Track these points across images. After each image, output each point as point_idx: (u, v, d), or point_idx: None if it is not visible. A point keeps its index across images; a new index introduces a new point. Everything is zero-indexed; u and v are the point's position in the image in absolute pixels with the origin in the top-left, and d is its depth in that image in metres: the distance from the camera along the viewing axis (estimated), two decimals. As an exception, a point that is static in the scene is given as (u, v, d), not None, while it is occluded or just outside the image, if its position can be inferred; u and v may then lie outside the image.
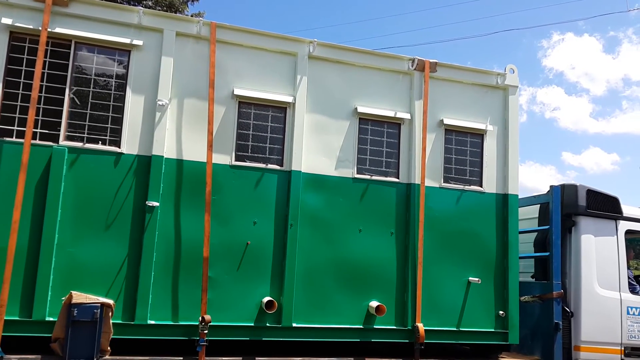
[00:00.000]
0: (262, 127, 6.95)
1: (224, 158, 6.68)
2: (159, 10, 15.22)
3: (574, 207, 8.22)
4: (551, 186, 8.32)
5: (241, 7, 52.90)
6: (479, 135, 7.82)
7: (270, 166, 6.86)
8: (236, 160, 6.75)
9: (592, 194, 8.29)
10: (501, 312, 7.47)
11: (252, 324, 6.52)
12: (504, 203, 7.74)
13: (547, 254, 8.22)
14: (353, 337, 6.87)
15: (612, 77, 56.08)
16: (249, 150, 6.85)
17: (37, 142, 6.04)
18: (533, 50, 56.95)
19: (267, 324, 6.57)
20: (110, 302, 5.81)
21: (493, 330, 7.46)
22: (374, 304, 6.90)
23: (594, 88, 58.41)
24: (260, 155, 6.88)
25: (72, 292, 5.71)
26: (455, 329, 7.29)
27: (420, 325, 6.92)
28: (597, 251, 8.22)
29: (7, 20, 6.07)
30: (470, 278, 7.38)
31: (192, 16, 16.67)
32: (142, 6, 16.11)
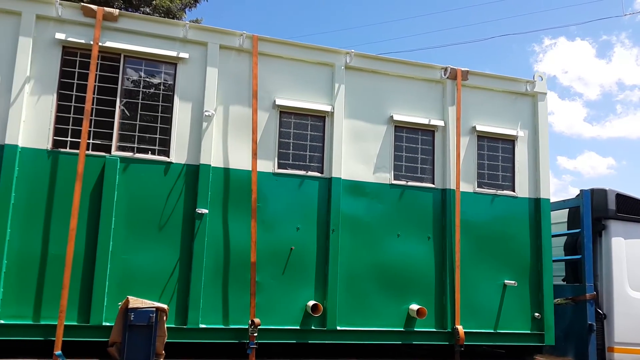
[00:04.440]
0: (302, 136, 7.15)
1: (267, 166, 6.88)
2: (157, 16, 15.30)
3: (604, 211, 8.39)
4: (581, 190, 8.49)
5: (239, 13, 53.27)
6: (510, 141, 8.01)
7: (310, 173, 7.04)
8: (278, 168, 6.94)
9: (621, 197, 8.46)
10: (537, 314, 7.61)
11: (298, 327, 6.68)
12: (536, 207, 7.90)
13: (578, 256, 8.37)
14: (395, 339, 7.02)
15: (605, 81, 56.18)
16: (290, 158, 7.05)
17: (91, 152, 6.24)
18: (524, 55, 57.07)
19: (313, 327, 6.72)
20: (165, 306, 5.97)
21: (529, 332, 7.59)
22: (414, 307, 7.05)
23: (587, 92, 58.50)
24: (301, 163, 7.07)
25: (129, 297, 5.88)
26: (492, 331, 7.43)
27: (460, 328, 7.07)
28: (628, 254, 8.38)
29: (60, 35, 6.30)
30: (506, 281, 7.53)
31: (193, 22, 16.98)
32: (140, 12, 16.38)
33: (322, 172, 7.09)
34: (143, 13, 16.67)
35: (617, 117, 56.24)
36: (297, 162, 7.05)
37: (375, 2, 53.22)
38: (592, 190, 8.49)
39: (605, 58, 58.33)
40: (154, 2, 17.39)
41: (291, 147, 7.08)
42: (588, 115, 60.53)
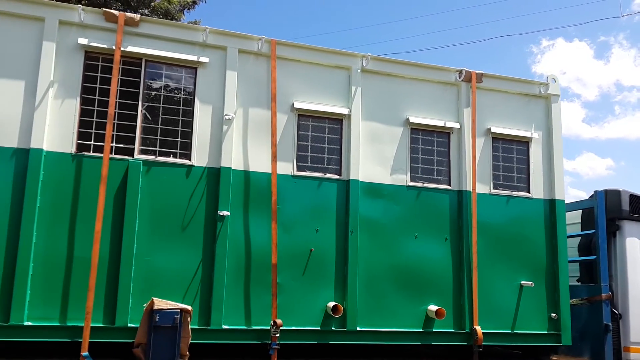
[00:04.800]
0: (319, 138, 7.22)
1: (286, 168, 6.95)
2: (155, 17, 15.32)
3: (618, 212, 8.44)
4: (595, 191, 8.55)
5: (238, 14, 53.51)
6: (525, 142, 8.08)
7: (328, 175, 7.11)
8: (297, 170, 7.01)
9: (634, 198, 8.52)
10: (553, 314, 7.66)
11: (319, 328, 6.73)
12: (551, 208, 7.96)
13: (593, 257, 8.42)
14: (414, 340, 7.07)
15: (603, 82, 56.35)
16: (309, 161, 7.12)
17: (114, 156, 6.31)
18: (522, 56, 57.23)
19: (333, 328, 6.77)
20: (189, 307, 6.03)
21: (546, 332, 7.64)
22: (433, 307, 7.10)
23: (586, 93, 58.65)
24: (320, 165, 7.15)
25: (154, 298, 5.94)
26: (510, 331, 7.48)
27: (478, 328, 7.12)
28: (642, 254, 8.42)
29: (83, 41, 6.39)
30: (523, 282, 7.58)
31: (192, 23, 17.04)
32: (139, 14, 16.43)
33: (340, 174, 7.16)
34: (142, 14, 16.71)
35: (615, 118, 56.36)
36: (315, 165, 7.13)
37: (375, 3, 53.41)
38: (606, 192, 8.54)
39: (603, 59, 58.48)
40: (152, 3, 17.47)
41: (309, 150, 7.15)
42: (586, 116, 60.62)
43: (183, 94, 6.76)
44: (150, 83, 6.68)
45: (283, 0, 54.52)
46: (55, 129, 6.19)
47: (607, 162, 57.80)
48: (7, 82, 6.12)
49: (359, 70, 7.37)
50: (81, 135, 6.33)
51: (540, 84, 8.22)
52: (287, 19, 55.95)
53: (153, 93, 6.68)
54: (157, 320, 5.83)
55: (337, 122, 7.30)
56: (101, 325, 6.00)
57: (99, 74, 6.50)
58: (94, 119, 6.41)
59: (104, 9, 6.55)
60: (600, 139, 56.87)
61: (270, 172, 6.81)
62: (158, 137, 6.59)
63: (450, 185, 7.61)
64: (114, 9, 16.23)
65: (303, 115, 7.17)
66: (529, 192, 7.95)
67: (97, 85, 6.48)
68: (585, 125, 59.23)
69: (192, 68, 6.80)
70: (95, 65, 6.52)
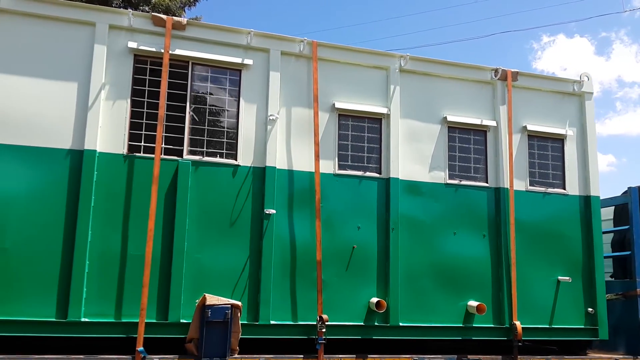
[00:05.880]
0: (359, 138, 7.35)
1: (328, 167, 7.09)
2: (153, 13, 15.30)
3: (652, 207, 8.48)
4: (629, 188, 8.60)
5: (238, 10, 53.74)
6: (560, 140, 8.17)
7: (368, 174, 7.25)
8: (339, 169, 7.15)
9: (668, 194, 8.54)
10: (590, 309, 7.75)
11: (362, 323, 6.87)
12: (587, 204, 8.05)
13: (628, 252, 8.49)
14: (456, 335, 7.19)
15: (605, 78, 55.97)
16: (349, 160, 7.25)
17: (164, 156, 6.49)
18: (523, 53, 57.00)
19: (376, 323, 6.91)
20: (239, 303, 6.19)
21: (583, 326, 7.73)
22: (473, 303, 7.22)
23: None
24: (360, 164, 7.28)
25: (206, 294, 6.11)
26: (547, 326, 7.58)
27: (517, 323, 7.23)
28: (676, 249, 8.45)
29: (132, 44, 6.56)
30: (560, 277, 7.68)
31: (193, 19, 17.17)
32: (140, 11, 16.52)
33: (379, 173, 7.29)
34: (142, 11, 16.84)
35: (616, 114, 55.97)
36: (355, 163, 7.26)
37: (374, 2, 53.42)
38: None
39: (604, 55, 58.09)
40: (152, 0, 17.56)
41: (349, 149, 7.28)
42: (588, 113, 60.06)
43: (228, 96, 6.91)
44: (197, 85, 6.84)
45: (282, -3, 54.65)
46: (107, 130, 6.37)
47: (608, 159, 57.46)
48: (61, 84, 6.31)
49: (397, 70, 7.49)
50: (132, 137, 6.51)
51: (574, 82, 8.30)
52: (287, 15, 56.09)
53: (199, 95, 6.84)
54: (209, 315, 6.00)
55: (377, 122, 7.43)
56: (154, 321, 6.17)
57: (147, 77, 6.67)
58: (144, 121, 6.57)
59: (152, 14, 6.72)
60: (601, 135, 56.59)
61: (313, 171, 6.96)
62: (205, 137, 6.75)
63: (487, 182, 7.72)
64: (114, 6, 16.43)
65: (343, 115, 7.31)
66: (564, 189, 8.04)
67: (146, 88, 6.64)
68: (587, 121, 58.77)
69: (236, 70, 6.95)
70: (143, 68, 6.69)
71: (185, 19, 6.77)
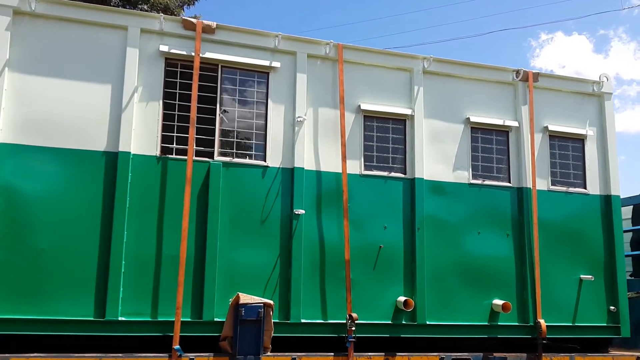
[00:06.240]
0: (384, 138, 7.46)
1: (354, 168, 7.20)
2: (154, 12, 15.36)
3: (672, 206, 8.59)
4: (649, 187, 8.71)
5: (237, 8, 53.88)
6: (580, 140, 8.27)
7: (393, 174, 7.35)
8: (365, 169, 7.26)
9: (688, 193, 8.65)
10: (612, 307, 7.84)
11: (390, 322, 6.98)
12: (607, 203, 8.15)
13: (647, 251, 8.59)
14: (482, 333, 7.29)
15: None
16: (375, 160, 7.36)
17: (196, 158, 6.60)
18: (521, 50, 57.02)
19: (403, 322, 7.01)
20: (271, 302, 6.30)
21: (605, 324, 7.83)
22: (498, 302, 7.32)
23: None
24: (385, 165, 7.39)
25: (239, 293, 6.22)
26: (571, 324, 7.68)
27: (542, 321, 7.33)
28: (695, 248, 8.57)
29: (163, 48, 6.67)
30: (582, 276, 7.77)
31: (192, 18, 17.23)
32: (138, 9, 16.54)
33: (405, 173, 7.40)
34: (140, 10, 16.89)
35: (615, 112, 55.95)
36: (380, 164, 7.37)
37: (372, 1, 53.54)
38: (659, 187, 8.69)
39: (602, 53, 58.08)
40: None
41: (375, 150, 7.39)
42: (587, 111, 60.13)
43: (257, 98, 7.02)
44: (226, 88, 6.95)
45: (283, -4, 54.85)
46: (141, 132, 6.48)
47: (607, 157, 57.24)
48: (95, 87, 6.42)
49: (420, 72, 7.60)
50: (164, 139, 6.62)
51: (593, 83, 8.40)
52: (286, 15, 56.22)
53: (229, 97, 6.95)
54: (242, 314, 6.11)
55: (401, 123, 7.54)
56: (189, 319, 6.28)
57: (178, 80, 6.78)
58: (175, 123, 6.69)
59: (183, 18, 6.84)
60: (600, 133, 56.47)
61: (340, 171, 7.06)
62: (235, 139, 6.86)
63: (510, 182, 7.82)
64: (113, 5, 16.47)
65: (369, 116, 7.41)
66: (585, 188, 8.14)
67: (177, 91, 6.76)
68: (585, 119, 58.85)
69: (264, 73, 7.06)
70: (174, 71, 6.80)
71: (215, 23, 6.87)
